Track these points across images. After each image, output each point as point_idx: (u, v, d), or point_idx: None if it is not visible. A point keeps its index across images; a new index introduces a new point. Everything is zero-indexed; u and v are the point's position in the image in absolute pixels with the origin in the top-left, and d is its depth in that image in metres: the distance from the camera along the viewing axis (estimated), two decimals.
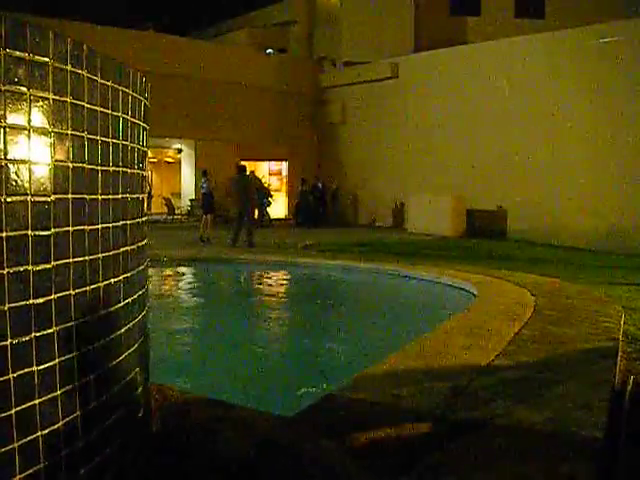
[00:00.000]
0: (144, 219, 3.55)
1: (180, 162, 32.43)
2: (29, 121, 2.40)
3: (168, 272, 15.12)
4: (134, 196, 3.29)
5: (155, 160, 36.00)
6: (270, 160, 33.43)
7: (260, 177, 29.67)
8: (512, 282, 11.93)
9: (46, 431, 2.53)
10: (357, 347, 8.63)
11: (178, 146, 32.11)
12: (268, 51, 35.58)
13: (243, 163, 20.88)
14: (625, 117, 21.65)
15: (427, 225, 25.58)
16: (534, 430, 4.46)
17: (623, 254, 20.10)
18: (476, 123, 26.31)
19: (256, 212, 22.47)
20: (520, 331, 7.67)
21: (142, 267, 3.51)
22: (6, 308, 2.33)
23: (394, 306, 12.05)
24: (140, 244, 3.43)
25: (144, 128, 3.45)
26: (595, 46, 22.48)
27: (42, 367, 2.50)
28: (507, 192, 25.00)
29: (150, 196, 30.67)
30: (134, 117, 3.23)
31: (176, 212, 30.05)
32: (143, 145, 3.44)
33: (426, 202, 25.74)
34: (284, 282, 15.09)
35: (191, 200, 29.01)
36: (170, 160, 35.82)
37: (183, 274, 15.38)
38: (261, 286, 14.60)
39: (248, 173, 20.87)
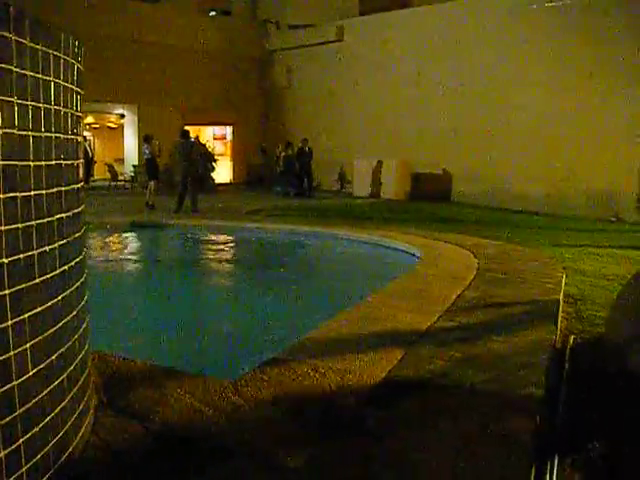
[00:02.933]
0: (80, 185, 3.49)
1: (123, 127, 31.94)
2: None
3: (110, 239, 14.96)
4: (69, 162, 3.24)
5: (97, 126, 35.37)
6: (215, 124, 33.06)
7: (204, 142, 29.40)
8: (455, 244, 12.07)
9: None
10: (301, 310, 8.65)
11: (120, 111, 31.59)
12: (211, 13, 35.07)
13: (186, 128, 20.61)
14: (570, 82, 21.87)
15: (372, 188, 25.73)
16: (475, 390, 4.55)
17: (566, 217, 20.46)
18: (423, 87, 26.34)
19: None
20: (462, 293, 7.77)
21: (79, 234, 3.47)
22: None
23: (337, 270, 12.10)
24: (76, 211, 3.39)
25: (78, 93, 3.39)
26: (544, 10, 22.59)
27: None
28: (453, 156, 25.14)
29: (93, 162, 30.17)
30: (67, 81, 3.17)
31: (119, 178, 29.65)
32: (77, 110, 3.38)
33: (371, 165, 25.85)
34: (227, 247, 15.02)
35: (134, 166, 28.61)
36: (112, 125, 35.21)
37: (125, 240, 15.23)
38: (202, 251, 14.56)
39: (192, 138, 20.67)
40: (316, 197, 25.44)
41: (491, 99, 23.94)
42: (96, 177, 30.64)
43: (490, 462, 3.44)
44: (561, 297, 8.04)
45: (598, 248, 13.50)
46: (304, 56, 31.13)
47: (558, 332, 6.77)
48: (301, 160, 26.28)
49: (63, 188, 3.16)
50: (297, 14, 32.07)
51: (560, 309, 7.59)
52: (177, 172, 19.72)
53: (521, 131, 23.07)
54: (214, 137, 32.94)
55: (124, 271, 11.77)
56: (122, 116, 31.78)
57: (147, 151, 21.40)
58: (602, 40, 20.94)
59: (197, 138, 27.94)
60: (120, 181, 29.46)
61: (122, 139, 31.64)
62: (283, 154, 27.03)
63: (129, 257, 13.36)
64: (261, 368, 4.86)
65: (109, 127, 35.81)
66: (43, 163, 2.91)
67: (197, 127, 30.80)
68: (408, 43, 26.74)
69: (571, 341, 6.86)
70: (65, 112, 3.17)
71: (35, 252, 2.86)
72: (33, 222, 2.84)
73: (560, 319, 7.39)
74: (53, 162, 3.02)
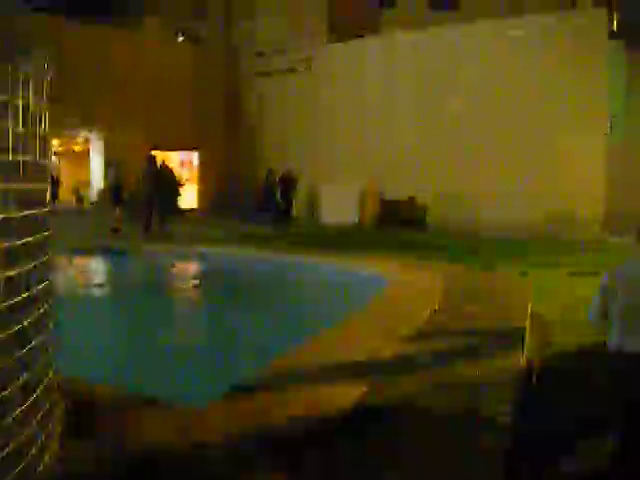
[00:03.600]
0: (47, 209, 3.45)
1: (89, 151, 31.73)
2: None
3: (75, 262, 14.82)
4: (37, 185, 3.20)
5: (63, 149, 35.10)
6: (182, 150, 32.93)
7: (171, 167, 29.28)
8: (425, 269, 12.09)
9: None
10: (268, 335, 8.58)
11: (86, 135, 31.40)
12: (180, 39, 35.07)
13: (152, 154, 20.51)
14: (534, 107, 22.18)
15: (340, 214, 25.73)
16: (444, 414, 4.55)
17: (533, 241, 20.66)
18: (391, 114, 26.48)
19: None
20: (431, 318, 7.78)
21: (46, 258, 3.42)
22: None
23: (308, 295, 12.07)
24: (44, 234, 3.34)
25: (45, 115, 3.36)
26: (506, 38, 22.95)
27: None
28: (422, 182, 25.21)
29: (58, 185, 29.92)
30: (35, 103, 3.14)
31: (85, 202, 29.42)
32: (44, 131, 3.34)
33: (339, 192, 25.89)
34: (191, 272, 14.93)
35: (99, 190, 28.41)
36: (79, 149, 34.99)
37: (87, 265, 15.08)
38: (166, 276, 14.49)
39: (160, 164, 20.62)
40: (288, 224, 24.29)
41: (463, 125, 24.14)
42: (62, 200, 30.35)
43: None
44: (528, 322, 8.07)
45: (567, 270, 13.60)
46: (274, 82, 31.19)
47: (524, 356, 6.80)
48: (284, 186, 25.00)
49: (30, 212, 3.11)
50: (267, 41, 32.17)
51: (527, 333, 7.62)
52: (143, 196, 19.51)
53: (492, 158, 23.29)
54: (181, 163, 32.81)
55: (81, 295, 11.65)
56: (88, 140, 31.59)
57: (112, 176, 21.24)
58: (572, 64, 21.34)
59: (163, 162, 27.84)
60: (85, 204, 29.22)
61: (88, 163, 31.42)
62: (265, 180, 25.79)
63: (86, 282, 13.25)
64: (229, 396, 4.81)
65: (75, 151, 35.57)
66: (12, 186, 2.87)
67: (164, 152, 30.69)
68: (378, 69, 26.93)
69: (535, 365, 6.89)
70: (33, 133, 3.13)
71: (2, 276, 2.81)
72: (0, 246, 2.79)
73: (527, 342, 7.42)
74: (22, 185, 2.98)
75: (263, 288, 13.01)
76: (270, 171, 25.61)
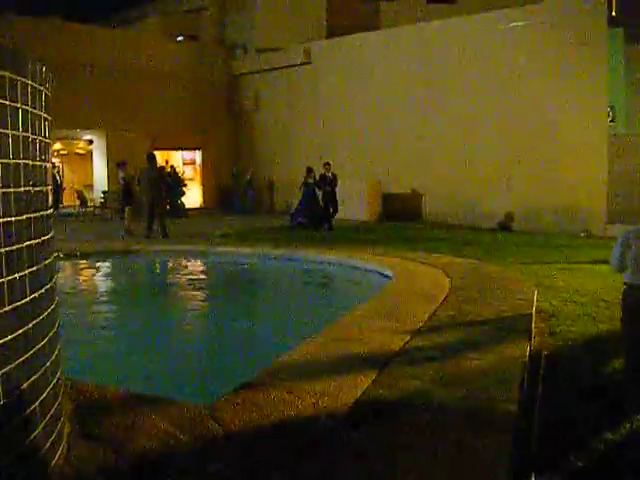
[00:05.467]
0: (49, 212, 3.47)
1: (92, 153, 31.77)
2: None
3: (78, 266, 14.85)
4: (37, 189, 3.22)
5: (65, 152, 35.15)
6: (184, 149, 32.97)
7: (175, 166, 29.33)
8: (427, 264, 12.09)
9: None
10: (279, 331, 8.64)
11: (89, 137, 31.44)
12: (179, 38, 35.07)
13: (153, 153, 20.44)
14: (534, 100, 22.16)
15: (343, 210, 25.70)
16: (449, 408, 4.56)
17: (536, 233, 20.66)
18: (390, 108, 26.48)
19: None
20: (435, 312, 7.79)
21: (49, 261, 3.44)
22: None
23: (311, 291, 12.10)
24: (46, 238, 3.36)
25: (45, 119, 3.38)
26: (504, 30, 22.92)
27: None
28: (422, 176, 25.25)
29: (61, 189, 29.99)
30: (34, 108, 3.16)
31: (89, 204, 29.48)
32: (45, 136, 3.37)
33: (341, 187, 25.85)
34: (197, 271, 14.94)
35: (104, 192, 28.45)
36: (81, 152, 35.02)
37: (95, 268, 15.09)
38: (171, 276, 14.52)
39: (162, 165, 20.60)
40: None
41: (461, 118, 24.12)
42: (65, 203, 30.43)
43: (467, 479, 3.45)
44: (533, 313, 8.09)
45: (570, 264, 13.62)
46: (272, 79, 31.21)
47: (531, 348, 6.81)
48: (323, 188, 22.38)
49: (32, 215, 3.14)
50: (264, 38, 32.19)
51: (533, 325, 7.64)
52: (143, 197, 19.44)
53: (491, 151, 23.27)
54: (183, 162, 32.84)
55: (91, 298, 11.68)
56: (90, 142, 31.63)
57: (121, 176, 21.29)
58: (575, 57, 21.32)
59: (167, 166, 27.94)
60: (90, 207, 29.28)
61: (91, 165, 31.46)
62: (303, 181, 22.94)
63: (100, 284, 13.29)
64: (236, 392, 4.83)
65: (77, 153, 35.62)
66: (12, 190, 2.89)
67: (166, 152, 30.74)
68: (376, 64, 26.91)
69: (543, 357, 6.90)
70: (33, 138, 3.15)
71: (5, 279, 2.83)
72: (2, 249, 2.82)
73: (533, 335, 7.43)
74: (22, 189, 3.00)
75: (276, 284, 13.10)
76: (309, 171, 22.90)
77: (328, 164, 22.56)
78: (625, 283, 5.88)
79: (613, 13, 23.93)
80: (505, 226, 22.11)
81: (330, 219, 22.07)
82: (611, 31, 22.95)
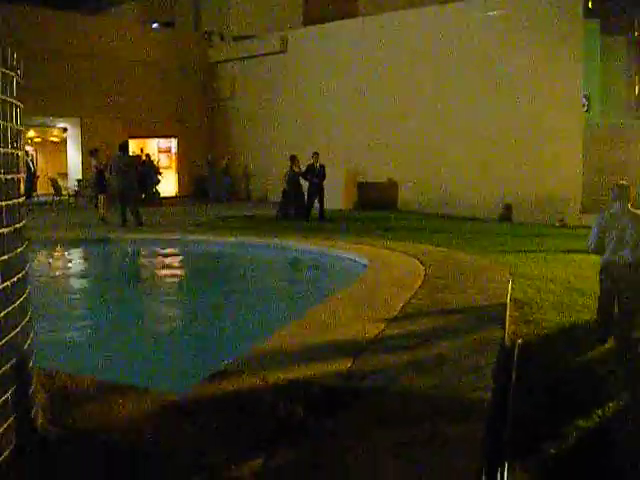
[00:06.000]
0: (22, 200, 3.44)
1: (66, 141, 31.50)
2: None
3: (54, 253, 14.75)
4: (9, 177, 3.18)
5: (39, 140, 34.84)
6: (160, 137, 32.74)
7: (150, 154, 29.11)
8: (402, 252, 12.11)
9: None
10: (256, 318, 8.64)
11: (63, 125, 31.17)
12: (154, 25, 34.82)
13: (126, 141, 20.26)
14: (509, 89, 22.22)
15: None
16: (425, 395, 4.57)
17: (513, 222, 20.79)
18: (366, 97, 26.46)
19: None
20: (410, 300, 7.81)
21: (20, 249, 3.41)
22: None
23: (287, 279, 12.11)
24: (17, 226, 3.33)
25: (17, 106, 3.34)
26: (481, 19, 22.95)
27: None
28: (398, 165, 25.26)
29: (35, 176, 29.68)
30: (4, 94, 3.12)
31: (63, 193, 29.22)
32: (17, 123, 3.33)
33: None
34: (173, 260, 14.87)
35: (78, 180, 28.21)
36: (55, 140, 34.72)
37: (69, 255, 15.00)
38: (143, 265, 14.47)
39: (137, 154, 20.45)
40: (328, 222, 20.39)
41: (437, 107, 24.15)
42: (39, 192, 30.15)
43: (440, 466, 3.46)
44: (508, 302, 8.13)
45: (543, 253, 13.70)
46: (248, 67, 31.08)
47: (505, 335, 6.85)
48: (311, 179, 21.07)
49: (4, 203, 3.10)
50: (241, 25, 32.03)
51: (507, 313, 7.68)
52: (115, 185, 19.23)
53: (466, 139, 23.32)
54: (159, 150, 32.63)
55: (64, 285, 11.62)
56: (65, 130, 31.38)
57: (94, 164, 21.13)
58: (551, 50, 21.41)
59: (142, 152, 27.83)
60: (64, 196, 29.05)
61: (65, 153, 31.22)
62: (288, 171, 21.52)
63: (74, 273, 13.21)
64: (209, 380, 4.82)
65: (52, 142, 35.32)
66: None
67: (142, 140, 30.55)
68: (354, 53, 26.86)
69: (517, 345, 6.95)
70: (4, 126, 3.12)
71: None
72: None
73: (507, 323, 7.48)
74: None
75: (252, 273, 13.08)
76: (293, 159, 21.52)
77: (316, 154, 21.34)
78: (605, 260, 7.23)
79: (589, 5, 24.07)
80: (481, 215, 22.13)
81: (310, 210, 21.09)
82: (587, 22, 23.03)
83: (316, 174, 21.06)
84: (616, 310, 7.28)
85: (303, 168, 21.38)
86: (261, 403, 4.38)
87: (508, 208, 21.79)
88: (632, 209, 7.25)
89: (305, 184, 21.48)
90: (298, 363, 5.25)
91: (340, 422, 4.06)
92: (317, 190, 21.05)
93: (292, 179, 21.38)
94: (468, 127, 23.22)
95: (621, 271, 7.12)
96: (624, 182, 7.63)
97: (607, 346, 7.21)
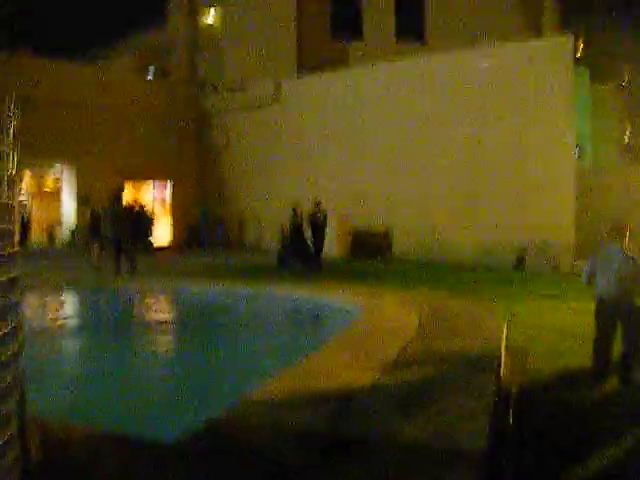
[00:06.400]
0: (16, 250, 3.44)
1: (59, 191, 31.55)
2: None
3: (42, 301, 14.70)
4: (3, 226, 3.19)
5: (34, 190, 34.93)
6: (154, 186, 32.79)
7: (144, 205, 29.12)
8: (396, 300, 12.09)
9: None
10: (247, 369, 8.58)
11: (58, 175, 31.27)
12: (150, 68, 35.10)
13: (119, 191, 20.29)
14: (502, 137, 22.42)
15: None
16: (420, 444, 4.54)
17: (504, 270, 20.81)
18: (358, 146, 26.64)
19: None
20: (404, 348, 7.78)
21: (15, 299, 3.41)
22: None
23: (281, 328, 12.07)
24: (11, 275, 3.33)
25: (13, 155, 3.36)
26: (472, 69, 23.24)
27: None
28: (390, 214, 25.34)
29: (28, 225, 29.68)
30: (1, 143, 3.15)
31: (57, 242, 29.20)
32: (11, 173, 3.35)
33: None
34: (165, 308, 14.82)
35: (72, 231, 28.21)
36: (48, 190, 34.82)
37: (58, 303, 14.95)
38: (135, 312, 14.40)
39: (131, 204, 20.49)
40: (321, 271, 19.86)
41: (430, 154, 24.32)
42: (32, 240, 30.12)
43: None
44: (502, 350, 8.11)
45: (537, 299, 13.70)
46: (242, 116, 31.29)
47: (500, 383, 6.82)
48: (313, 228, 20.25)
49: None
50: (235, 76, 32.34)
51: (502, 362, 7.65)
52: (108, 233, 19.17)
53: (459, 189, 23.46)
54: (153, 199, 32.70)
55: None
56: (58, 179, 31.47)
57: (87, 212, 21.16)
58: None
59: (136, 203, 27.83)
60: (57, 244, 29.01)
61: (59, 202, 31.27)
62: (290, 222, 20.71)
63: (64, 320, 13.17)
64: (201, 430, 4.79)
65: (45, 191, 35.40)
66: None
67: (136, 189, 30.64)
68: (346, 102, 27.09)
69: (514, 393, 6.92)
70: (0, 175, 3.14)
71: None
72: None
73: (502, 372, 7.45)
74: None
75: (245, 320, 13.04)
76: (295, 210, 20.65)
77: (320, 203, 20.42)
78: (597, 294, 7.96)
79: (578, 54, 24.43)
80: (475, 264, 22.15)
81: (317, 260, 20.28)
82: (577, 71, 23.33)
83: (319, 225, 20.21)
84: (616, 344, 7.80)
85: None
86: (252, 451, 4.35)
87: (520, 259, 21.75)
88: (626, 250, 7.92)
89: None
90: (289, 413, 5.21)
91: (333, 472, 4.03)
92: (320, 239, 20.26)
93: (295, 231, 20.47)
94: (462, 175, 23.37)
95: (613, 303, 7.79)
96: (619, 223, 8.36)
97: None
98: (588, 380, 7.59)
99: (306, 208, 20.48)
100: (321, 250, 20.47)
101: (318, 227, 20.23)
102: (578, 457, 5.35)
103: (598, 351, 7.81)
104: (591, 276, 7.99)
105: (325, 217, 20.49)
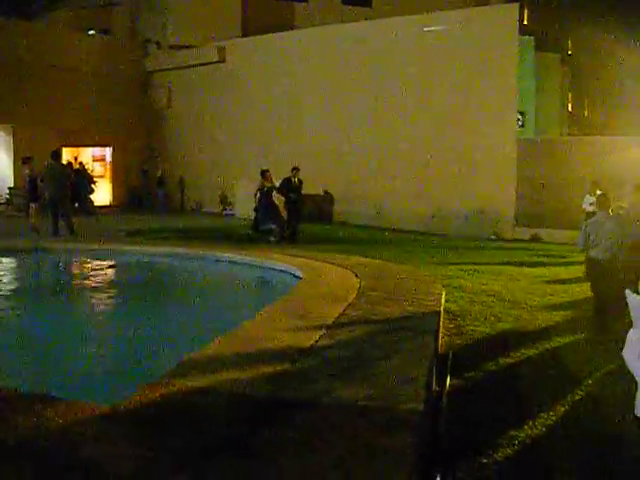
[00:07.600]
0: None
1: None
2: None
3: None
4: None
5: None
6: (94, 146, 32.23)
7: (84, 163, 28.62)
8: (337, 264, 12.06)
9: None
10: (185, 332, 8.47)
11: None
12: (90, 32, 34.28)
13: (58, 150, 19.88)
14: (445, 105, 22.48)
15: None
16: (358, 406, 4.52)
17: (445, 235, 20.97)
18: (303, 109, 26.51)
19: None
20: (344, 312, 7.75)
21: None
22: None
23: (220, 291, 11.96)
24: None
25: None
26: (417, 35, 23.20)
27: None
28: (334, 177, 25.33)
29: None
30: None
31: None
32: None
33: (252, 187, 25.64)
34: (104, 270, 14.53)
35: (9, 189, 27.63)
36: None
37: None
38: (71, 276, 14.08)
39: (69, 162, 20.08)
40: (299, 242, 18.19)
41: (374, 120, 24.32)
42: None
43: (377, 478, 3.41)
44: (441, 313, 8.15)
45: (477, 265, 13.83)
46: (186, 76, 30.88)
47: (438, 347, 6.86)
48: (288, 194, 18.81)
49: None
50: (178, 34, 31.81)
51: (440, 325, 7.69)
52: (46, 194, 18.76)
53: (402, 153, 23.50)
54: (93, 158, 32.14)
55: None
56: None
57: (27, 173, 20.67)
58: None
59: (76, 161, 27.40)
60: None
61: None
62: (260, 188, 18.83)
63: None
64: (139, 392, 4.70)
65: None
66: None
67: (76, 148, 30.07)
68: (289, 65, 26.89)
69: (450, 356, 6.98)
70: None
71: None
72: None
73: (441, 335, 7.49)
74: None
75: (184, 285, 12.90)
76: (264, 173, 18.93)
77: (296, 169, 19.04)
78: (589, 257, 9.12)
79: (525, 22, 24.54)
80: (419, 229, 22.27)
81: (295, 229, 18.95)
82: (522, 39, 23.48)
83: (294, 189, 18.88)
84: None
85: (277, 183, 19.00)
86: (192, 414, 4.29)
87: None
88: (614, 214, 9.38)
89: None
90: (231, 374, 5.15)
91: (273, 435, 3.98)
92: (296, 208, 19.03)
93: (264, 196, 18.82)
94: (404, 142, 23.43)
95: (598, 265, 8.97)
96: (603, 192, 10.06)
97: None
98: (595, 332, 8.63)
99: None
100: (298, 219, 19.25)
101: (294, 192, 18.89)
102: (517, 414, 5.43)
103: (597, 306, 9.03)
104: (586, 241, 9.06)
105: (301, 183, 19.16)
